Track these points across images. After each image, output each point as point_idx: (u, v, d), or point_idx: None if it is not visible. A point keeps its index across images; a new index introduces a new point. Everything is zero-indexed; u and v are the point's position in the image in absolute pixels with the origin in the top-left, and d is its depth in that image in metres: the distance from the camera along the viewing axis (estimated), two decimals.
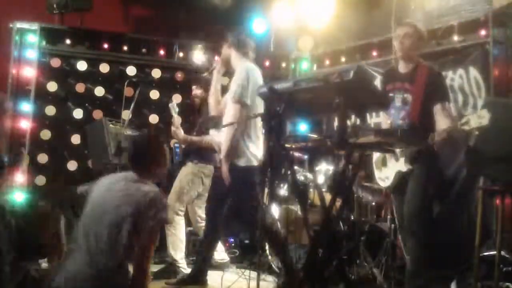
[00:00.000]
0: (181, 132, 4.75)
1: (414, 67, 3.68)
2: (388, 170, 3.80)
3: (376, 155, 3.95)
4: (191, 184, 4.72)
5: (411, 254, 3.65)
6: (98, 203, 2.64)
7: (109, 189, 2.67)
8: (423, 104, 3.55)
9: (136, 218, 2.51)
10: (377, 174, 3.92)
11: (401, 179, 3.65)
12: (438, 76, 3.67)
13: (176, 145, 5.87)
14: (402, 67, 3.76)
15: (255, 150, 3.88)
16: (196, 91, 5.06)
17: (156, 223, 2.54)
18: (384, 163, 3.85)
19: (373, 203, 4.65)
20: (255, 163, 3.84)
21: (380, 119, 4.73)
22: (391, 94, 3.72)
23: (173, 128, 4.77)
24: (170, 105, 5.21)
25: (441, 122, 3.48)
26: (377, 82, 5.50)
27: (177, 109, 4.96)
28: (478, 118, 3.04)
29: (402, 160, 3.59)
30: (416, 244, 3.59)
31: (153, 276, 4.24)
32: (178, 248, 4.61)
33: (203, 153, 4.74)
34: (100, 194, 2.68)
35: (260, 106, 3.82)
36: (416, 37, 3.68)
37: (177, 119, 4.85)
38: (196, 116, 5.12)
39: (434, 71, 3.68)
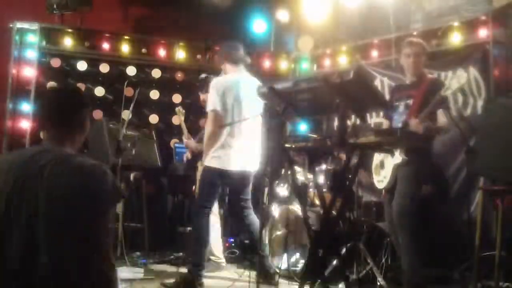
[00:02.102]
0: (192, 142, 4.95)
1: (419, 78, 3.86)
2: (385, 170, 3.83)
3: (374, 162, 4.00)
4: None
5: (403, 253, 3.67)
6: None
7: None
8: (421, 105, 3.60)
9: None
10: (375, 178, 3.96)
11: (396, 173, 3.70)
12: (441, 83, 3.79)
13: (176, 145, 5.88)
14: (409, 79, 3.94)
15: (226, 153, 4.03)
16: (204, 96, 5.08)
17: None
18: (382, 166, 3.89)
19: (373, 203, 4.65)
20: (221, 166, 4.04)
21: (380, 119, 4.74)
22: (396, 103, 3.87)
23: (185, 140, 5.03)
24: (176, 109, 5.22)
25: (439, 120, 3.60)
26: (377, 82, 5.53)
27: (183, 112, 5.00)
28: (457, 79, 3.42)
29: (397, 153, 3.63)
30: (407, 242, 3.62)
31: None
32: (217, 245, 4.79)
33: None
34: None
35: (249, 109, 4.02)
36: (423, 53, 3.87)
37: (184, 127, 4.94)
38: (199, 117, 5.16)
39: (438, 80, 3.92)
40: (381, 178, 3.88)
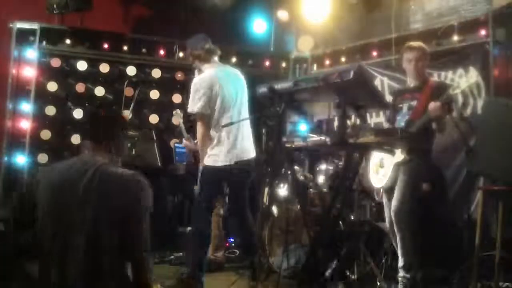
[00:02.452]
0: (192, 143, 4.91)
1: (423, 81, 3.88)
2: (385, 169, 3.84)
3: (372, 162, 4.00)
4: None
5: (400, 251, 3.69)
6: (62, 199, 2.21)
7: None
8: (425, 106, 3.62)
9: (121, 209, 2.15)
10: (374, 177, 3.97)
11: (396, 172, 3.70)
12: (445, 86, 3.80)
13: (176, 145, 5.88)
14: (412, 83, 3.95)
15: (221, 149, 3.98)
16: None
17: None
18: (381, 164, 3.90)
19: (373, 203, 4.64)
20: (217, 163, 3.98)
21: (380, 119, 4.75)
22: (400, 105, 3.89)
23: (184, 141, 5.00)
24: (174, 112, 5.21)
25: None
26: (377, 82, 5.53)
27: (182, 115, 5.00)
28: (467, 78, 3.41)
29: (398, 152, 3.64)
30: (404, 242, 3.63)
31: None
32: (220, 246, 4.86)
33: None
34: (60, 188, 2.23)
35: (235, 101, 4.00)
36: (424, 57, 3.88)
37: (184, 129, 4.93)
38: None
39: (443, 83, 3.95)
40: (380, 177, 3.89)
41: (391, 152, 3.49)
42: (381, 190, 4.06)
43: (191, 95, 3.99)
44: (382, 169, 3.88)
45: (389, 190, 3.83)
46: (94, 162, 2.23)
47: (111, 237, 2.11)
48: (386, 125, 4.22)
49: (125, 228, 2.13)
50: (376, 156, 3.98)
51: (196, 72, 4.23)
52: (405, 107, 3.86)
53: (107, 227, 2.11)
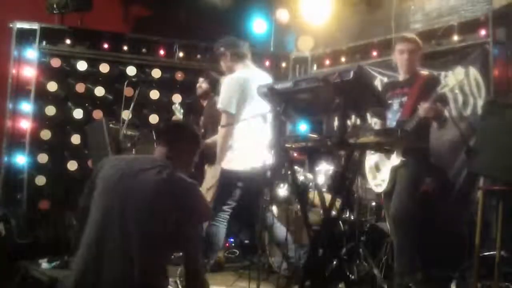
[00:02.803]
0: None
1: (413, 75, 3.82)
2: (382, 173, 3.81)
3: (368, 165, 3.97)
4: None
5: (397, 255, 3.66)
6: (118, 192, 2.23)
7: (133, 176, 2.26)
8: (416, 103, 3.58)
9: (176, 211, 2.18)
10: (372, 181, 3.94)
11: (395, 175, 3.67)
12: (436, 80, 3.76)
13: None
14: (402, 76, 3.90)
15: (241, 154, 3.97)
16: (202, 84, 5.12)
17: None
18: (377, 168, 3.86)
19: (373, 204, 4.64)
20: (238, 167, 3.96)
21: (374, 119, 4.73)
22: (390, 101, 3.81)
23: None
24: (173, 107, 5.22)
25: None
26: (377, 82, 5.53)
27: (181, 110, 4.99)
28: (454, 76, 3.43)
29: (394, 155, 3.61)
30: (401, 245, 3.60)
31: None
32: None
33: (209, 155, 4.84)
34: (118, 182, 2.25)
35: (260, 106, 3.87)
36: (418, 51, 3.83)
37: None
38: (198, 116, 5.16)
39: (433, 76, 3.85)
40: (379, 182, 3.85)
41: (391, 152, 3.48)
42: (382, 195, 4.04)
43: (221, 93, 4.01)
44: (379, 173, 3.85)
45: (389, 195, 3.80)
46: (164, 163, 2.31)
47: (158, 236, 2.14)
48: (376, 121, 4.12)
49: (180, 233, 2.17)
50: (371, 160, 3.96)
51: (226, 72, 4.26)
52: (396, 104, 3.79)
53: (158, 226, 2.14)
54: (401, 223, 3.60)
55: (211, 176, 4.89)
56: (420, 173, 3.71)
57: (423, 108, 3.47)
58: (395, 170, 3.70)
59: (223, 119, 3.99)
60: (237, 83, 3.98)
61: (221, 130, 4.01)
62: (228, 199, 4.03)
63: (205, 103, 5.20)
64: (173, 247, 2.25)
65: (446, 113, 3.64)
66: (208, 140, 4.79)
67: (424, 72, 3.94)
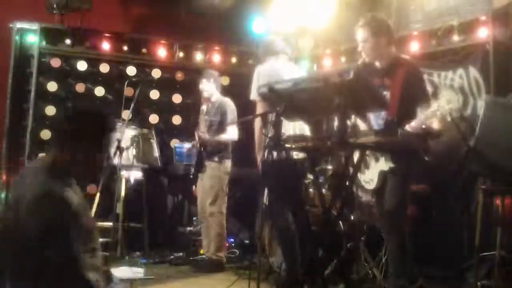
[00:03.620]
0: (205, 134, 4.95)
1: (391, 61, 3.43)
2: (371, 172, 3.75)
3: (356, 159, 3.88)
4: (225, 182, 4.92)
5: (389, 255, 3.59)
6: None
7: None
8: (400, 101, 3.35)
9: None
10: (361, 177, 3.88)
11: (384, 179, 3.59)
12: (417, 74, 3.45)
13: (176, 145, 5.89)
14: (378, 64, 3.49)
15: None
16: (203, 85, 5.09)
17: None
18: (366, 165, 3.77)
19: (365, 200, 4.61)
20: None
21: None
22: None
23: (199, 133, 5.00)
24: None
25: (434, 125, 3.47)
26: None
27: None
28: (446, 100, 3.02)
29: (382, 159, 3.53)
30: (394, 245, 3.54)
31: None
32: (222, 246, 4.86)
33: (223, 152, 4.93)
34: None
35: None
36: (384, 33, 3.42)
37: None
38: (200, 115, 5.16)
39: (413, 68, 3.43)
40: (368, 180, 3.78)
41: (391, 152, 3.47)
42: (371, 193, 3.96)
43: (253, 83, 3.96)
44: (368, 170, 3.76)
45: (378, 192, 3.72)
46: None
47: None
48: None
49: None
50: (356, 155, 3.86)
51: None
52: None
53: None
54: (391, 227, 3.51)
55: (210, 175, 4.89)
56: (414, 173, 3.60)
57: (411, 127, 3.21)
58: (384, 174, 3.60)
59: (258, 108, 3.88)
60: (264, 71, 3.92)
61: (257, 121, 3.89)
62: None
63: (209, 103, 5.17)
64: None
65: (438, 127, 3.46)
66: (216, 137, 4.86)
67: (404, 58, 3.52)
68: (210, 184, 4.88)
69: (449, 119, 3.08)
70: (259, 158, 3.93)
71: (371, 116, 3.47)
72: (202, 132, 4.99)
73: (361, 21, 3.45)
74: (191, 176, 5.19)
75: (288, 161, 3.67)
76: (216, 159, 4.91)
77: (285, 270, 4.09)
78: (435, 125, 3.29)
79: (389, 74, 3.40)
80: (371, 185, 3.73)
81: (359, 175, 3.82)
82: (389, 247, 3.58)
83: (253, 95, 3.89)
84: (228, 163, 4.96)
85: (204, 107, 5.14)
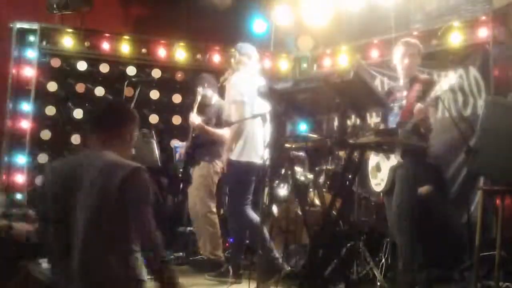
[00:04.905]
0: (198, 119, 4.92)
1: (412, 78, 3.85)
2: (382, 172, 3.81)
3: (370, 165, 3.98)
4: (215, 181, 4.92)
5: (400, 254, 3.68)
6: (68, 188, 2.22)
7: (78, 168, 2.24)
8: (413, 105, 3.61)
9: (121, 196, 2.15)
10: (372, 181, 3.95)
11: (393, 179, 3.69)
12: (433, 83, 3.75)
13: (176, 145, 5.88)
14: (402, 80, 3.92)
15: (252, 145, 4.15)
16: (201, 93, 5.07)
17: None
18: (378, 169, 3.87)
19: (373, 203, 4.64)
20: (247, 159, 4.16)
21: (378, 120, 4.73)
22: (391, 105, 3.85)
23: (192, 114, 4.95)
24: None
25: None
26: (377, 82, 5.53)
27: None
28: (447, 79, 3.44)
29: (392, 156, 3.62)
30: (404, 243, 3.61)
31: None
32: (218, 244, 4.83)
33: (214, 151, 4.89)
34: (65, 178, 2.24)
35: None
36: (419, 54, 3.88)
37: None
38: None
39: (430, 81, 3.85)
40: (379, 181, 3.87)
41: (390, 152, 3.48)
42: (381, 194, 4.04)
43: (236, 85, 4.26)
44: (379, 173, 3.86)
45: (388, 193, 3.81)
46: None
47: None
48: (382, 125, 4.17)
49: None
50: (373, 160, 3.97)
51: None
52: (396, 107, 3.83)
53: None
54: (403, 221, 3.60)
55: (198, 175, 4.90)
56: (418, 173, 3.70)
57: (417, 109, 3.53)
58: (393, 170, 3.71)
59: (237, 109, 4.18)
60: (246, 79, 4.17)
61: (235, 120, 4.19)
62: (247, 193, 4.24)
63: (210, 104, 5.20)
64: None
65: (432, 120, 3.65)
66: (210, 128, 4.89)
67: (423, 76, 3.96)
68: (198, 182, 4.88)
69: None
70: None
71: (390, 119, 3.80)
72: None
73: (407, 40, 3.96)
74: (180, 175, 5.21)
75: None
76: (206, 158, 4.90)
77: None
78: (431, 113, 3.49)
79: (408, 88, 3.81)
80: (381, 186, 3.79)
81: (371, 180, 3.92)
82: (399, 244, 3.67)
83: (239, 97, 4.15)
84: (218, 164, 4.89)
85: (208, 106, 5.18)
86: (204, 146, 4.93)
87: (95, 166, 2.19)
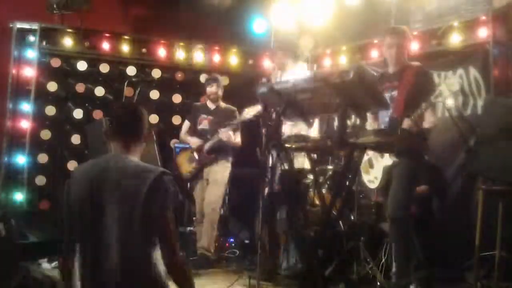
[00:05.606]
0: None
1: (402, 67, 3.73)
2: (375, 170, 3.78)
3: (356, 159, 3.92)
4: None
5: (394, 254, 3.63)
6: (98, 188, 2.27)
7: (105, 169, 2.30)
8: (406, 100, 3.53)
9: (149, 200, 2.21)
10: (365, 178, 3.91)
11: (388, 175, 3.64)
12: (425, 74, 3.68)
13: (176, 145, 5.88)
14: (391, 69, 3.81)
15: None
16: (211, 89, 5.12)
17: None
18: (370, 165, 3.83)
19: (373, 203, 4.63)
20: None
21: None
22: None
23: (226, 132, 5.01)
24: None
25: (427, 120, 3.53)
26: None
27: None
28: (447, 86, 3.30)
29: (387, 155, 3.58)
30: (399, 244, 3.57)
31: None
32: (212, 243, 4.94)
33: (232, 153, 5.12)
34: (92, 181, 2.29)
35: None
36: (404, 43, 3.74)
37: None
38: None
39: (422, 70, 3.71)
40: (372, 178, 3.82)
41: (390, 152, 3.47)
42: (375, 191, 4.00)
43: None
44: (372, 169, 3.81)
45: (383, 191, 3.77)
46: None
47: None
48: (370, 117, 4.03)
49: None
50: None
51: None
52: (387, 97, 3.58)
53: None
54: (399, 223, 3.55)
55: (223, 174, 5.04)
56: (415, 172, 3.65)
57: (406, 125, 3.38)
58: (388, 169, 3.65)
59: None
60: None
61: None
62: None
63: (213, 105, 5.21)
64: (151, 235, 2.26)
65: (432, 119, 3.57)
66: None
67: (414, 63, 3.79)
68: (222, 182, 5.02)
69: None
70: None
71: (379, 113, 3.67)
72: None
73: (393, 27, 3.90)
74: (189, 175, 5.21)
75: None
76: (229, 159, 5.09)
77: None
78: (429, 116, 3.40)
79: (398, 77, 3.66)
80: (374, 184, 3.76)
81: (363, 175, 3.87)
82: (394, 245, 3.61)
83: None
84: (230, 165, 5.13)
85: (211, 106, 5.21)
86: (227, 148, 5.08)
87: (126, 170, 2.29)
